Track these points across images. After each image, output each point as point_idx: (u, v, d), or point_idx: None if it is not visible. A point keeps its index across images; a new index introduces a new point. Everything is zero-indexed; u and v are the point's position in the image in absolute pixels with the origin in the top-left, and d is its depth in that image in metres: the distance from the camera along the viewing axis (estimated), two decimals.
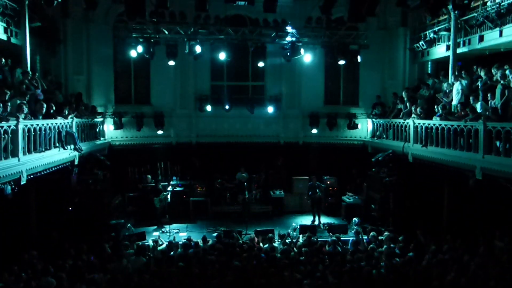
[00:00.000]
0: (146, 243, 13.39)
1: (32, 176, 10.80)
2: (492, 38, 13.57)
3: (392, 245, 12.34)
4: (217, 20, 16.40)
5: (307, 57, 16.92)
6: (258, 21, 16.77)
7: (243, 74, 19.60)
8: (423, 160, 14.06)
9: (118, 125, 17.91)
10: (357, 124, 18.83)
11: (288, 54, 16.79)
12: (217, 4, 15.86)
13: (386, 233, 13.76)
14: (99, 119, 17.05)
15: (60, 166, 12.74)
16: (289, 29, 16.00)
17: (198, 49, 15.97)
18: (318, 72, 19.20)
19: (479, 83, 12.99)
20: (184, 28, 15.89)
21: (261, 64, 17.31)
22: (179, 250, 12.12)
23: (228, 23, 16.70)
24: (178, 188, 17.62)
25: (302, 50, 16.45)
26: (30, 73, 12.81)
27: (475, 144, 11.41)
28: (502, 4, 12.84)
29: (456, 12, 13.95)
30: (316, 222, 16.60)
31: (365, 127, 18.88)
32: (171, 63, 16.50)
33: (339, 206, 18.16)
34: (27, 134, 10.61)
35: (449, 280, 9.56)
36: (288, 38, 16.24)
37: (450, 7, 13.83)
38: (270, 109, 18.63)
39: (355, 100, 19.73)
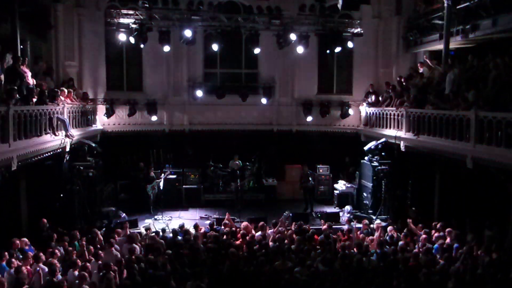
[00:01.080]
0: (138, 231, 13.40)
1: (22, 163, 10.72)
2: (486, 27, 13.56)
3: (383, 233, 12.44)
4: (210, 6, 16.27)
5: (299, 49, 16.81)
6: (251, 8, 16.65)
7: (236, 62, 19.47)
8: (415, 148, 14.13)
9: (110, 112, 17.73)
10: (350, 113, 18.82)
11: (281, 41, 16.69)
12: None
13: (377, 221, 13.86)
14: (90, 105, 16.91)
15: (51, 153, 12.66)
16: None
17: (188, 33, 15.74)
18: (311, 60, 19.10)
19: (470, 73, 13.02)
20: (177, 15, 15.72)
21: (257, 50, 17.15)
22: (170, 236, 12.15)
23: (222, 10, 16.57)
24: (170, 176, 17.59)
25: (292, 35, 16.25)
26: (21, 58, 12.64)
27: (466, 133, 11.46)
28: None
29: (450, 1, 13.93)
30: (309, 210, 16.69)
31: (358, 115, 18.88)
32: (166, 48, 16.29)
33: (332, 195, 18.26)
34: (17, 120, 10.51)
35: (439, 268, 9.67)
36: None
37: None
38: (264, 100, 18.55)
39: (348, 88, 19.70)
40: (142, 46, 16.08)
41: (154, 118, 18.10)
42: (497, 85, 11.36)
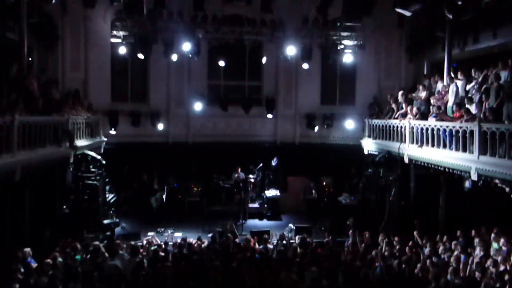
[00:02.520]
0: (140, 243, 13.34)
1: (26, 173, 10.74)
2: (487, 39, 13.64)
3: (388, 246, 12.34)
4: (214, 19, 16.41)
5: (304, 65, 16.99)
6: (255, 21, 16.79)
7: (239, 74, 19.58)
8: (419, 160, 14.09)
9: (114, 123, 17.80)
10: (353, 125, 18.81)
11: (284, 54, 16.80)
12: (215, 4, 15.88)
13: (381, 234, 13.76)
14: (95, 116, 16.98)
15: (55, 164, 12.67)
16: None
17: (186, 46, 15.90)
18: (314, 72, 19.17)
19: (473, 84, 13.04)
20: (182, 27, 15.87)
21: (264, 59, 17.22)
22: (173, 250, 12.07)
23: (226, 23, 16.72)
24: (173, 188, 17.55)
25: (293, 48, 16.39)
26: (27, 69, 12.74)
27: (470, 145, 11.44)
28: (496, 6, 12.91)
29: (451, 14, 14.02)
30: (311, 223, 16.58)
31: (361, 127, 18.87)
32: (174, 57, 16.43)
33: (335, 207, 18.16)
34: (22, 130, 10.55)
35: (445, 281, 9.57)
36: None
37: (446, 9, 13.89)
38: (269, 115, 18.61)
39: (351, 100, 19.75)
40: (146, 57, 16.22)
41: (160, 126, 18.11)
42: (499, 96, 11.37)
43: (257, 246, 12.54)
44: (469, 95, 12.94)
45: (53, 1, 12.37)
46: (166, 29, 15.88)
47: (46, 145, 11.96)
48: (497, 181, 10.59)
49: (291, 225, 15.26)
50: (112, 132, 17.85)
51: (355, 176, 18.41)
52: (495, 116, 11.14)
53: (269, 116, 18.75)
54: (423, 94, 15.54)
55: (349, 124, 18.62)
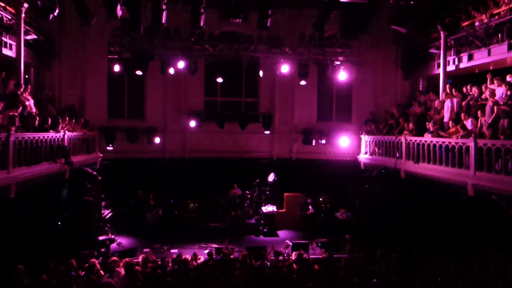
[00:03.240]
0: (136, 260, 13.20)
1: (21, 190, 10.68)
2: (481, 56, 13.82)
3: (385, 262, 12.25)
4: (211, 36, 16.55)
5: (302, 82, 17.20)
6: (252, 38, 16.95)
7: (236, 90, 19.71)
8: (415, 176, 14.10)
9: (110, 140, 17.78)
10: (350, 141, 18.86)
11: (281, 70, 16.93)
12: (212, 21, 16.02)
13: (379, 250, 13.68)
14: (91, 133, 16.97)
15: (51, 180, 12.62)
16: None
17: (180, 64, 16.12)
18: (311, 88, 19.32)
19: (469, 100, 13.15)
20: (179, 44, 16.00)
21: (260, 73, 17.33)
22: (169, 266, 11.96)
23: (223, 40, 16.87)
24: (170, 204, 17.46)
25: (287, 66, 16.58)
26: (24, 85, 12.78)
27: (466, 161, 11.48)
28: (489, 24, 13.12)
29: (446, 31, 14.22)
30: (308, 239, 16.50)
31: (358, 143, 18.92)
32: (171, 70, 16.52)
33: (332, 223, 18.09)
34: (18, 146, 10.53)
35: None
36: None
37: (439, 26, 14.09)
38: (266, 132, 18.69)
39: (347, 116, 19.87)
40: (143, 74, 16.31)
41: (157, 140, 18.13)
42: (494, 112, 11.45)
43: (254, 262, 12.43)
44: (465, 111, 13.03)
45: (51, 19, 12.43)
46: (162, 46, 15.99)
47: (42, 161, 11.92)
48: (493, 196, 10.60)
49: (287, 241, 15.15)
50: (109, 148, 17.82)
51: (351, 192, 18.38)
52: (490, 132, 11.20)
53: (266, 132, 18.79)
54: (418, 110, 15.65)
55: (344, 141, 18.66)
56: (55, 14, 12.07)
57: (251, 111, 19.52)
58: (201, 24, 12.95)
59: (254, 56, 16.89)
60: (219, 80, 16.83)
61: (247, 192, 18.53)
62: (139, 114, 19.04)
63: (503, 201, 10.40)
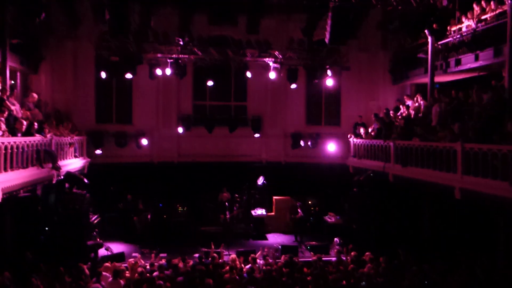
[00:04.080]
0: (125, 265, 13.11)
1: (8, 195, 10.54)
2: (468, 61, 13.98)
3: (373, 265, 12.32)
4: (200, 40, 16.53)
5: (292, 86, 17.29)
6: (241, 42, 16.95)
7: (225, 94, 19.69)
8: (404, 180, 14.20)
9: (98, 144, 17.65)
10: (339, 145, 18.96)
11: (270, 74, 16.98)
12: (201, 25, 16.02)
13: (367, 253, 13.74)
14: (79, 137, 16.82)
15: (38, 185, 12.48)
16: None
17: (167, 71, 16.23)
18: (300, 92, 19.38)
19: (456, 105, 13.30)
20: (167, 48, 15.96)
21: (248, 74, 17.28)
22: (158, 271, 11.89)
23: (212, 44, 16.85)
24: (158, 208, 17.37)
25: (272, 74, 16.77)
26: (9, 90, 12.63)
27: (453, 164, 11.59)
28: (477, 30, 13.29)
29: (433, 36, 14.37)
30: (298, 243, 16.53)
31: (347, 147, 19.01)
32: (159, 71, 16.48)
33: (321, 226, 18.15)
34: (4, 151, 10.40)
35: None
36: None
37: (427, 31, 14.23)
38: (256, 135, 18.70)
39: (336, 120, 19.97)
40: (131, 78, 16.23)
41: (144, 141, 18.02)
42: (482, 118, 11.60)
43: (243, 266, 12.43)
44: (452, 115, 13.16)
45: (37, 22, 12.33)
46: (151, 50, 15.94)
47: (29, 166, 11.79)
48: (480, 200, 10.72)
49: (277, 244, 15.15)
50: (98, 152, 17.68)
51: (340, 196, 18.46)
52: (477, 136, 11.32)
53: (256, 135, 18.81)
54: (406, 114, 15.80)
55: (332, 146, 18.77)
56: (42, 18, 11.97)
57: (241, 115, 19.50)
58: (190, 28, 12.94)
59: (243, 60, 16.90)
60: (210, 83, 16.81)
61: (236, 195, 18.51)
62: (127, 118, 18.90)
63: (489, 204, 10.52)
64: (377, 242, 15.33)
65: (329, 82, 17.21)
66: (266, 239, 17.48)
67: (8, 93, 12.36)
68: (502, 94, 11.75)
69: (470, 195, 11.00)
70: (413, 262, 12.12)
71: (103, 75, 16.40)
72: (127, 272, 12.09)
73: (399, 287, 10.36)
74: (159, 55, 16.20)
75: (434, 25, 13.80)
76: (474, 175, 10.80)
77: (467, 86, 13.63)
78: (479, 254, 11.55)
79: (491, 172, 10.18)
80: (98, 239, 15.41)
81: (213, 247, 13.66)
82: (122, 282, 10.85)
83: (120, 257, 13.74)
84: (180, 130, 18.18)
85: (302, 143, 19.07)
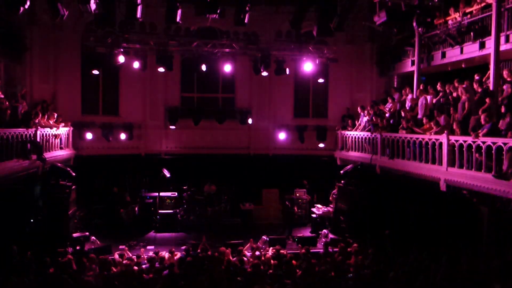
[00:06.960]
0: (112, 257, 13.05)
1: None
2: (454, 54, 14.11)
3: (360, 256, 12.43)
4: (187, 32, 16.39)
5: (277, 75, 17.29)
6: (229, 34, 16.86)
7: (213, 86, 19.61)
8: (391, 172, 14.34)
9: (84, 136, 17.46)
10: (326, 137, 19.04)
11: (258, 66, 16.92)
12: (188, 16, 15.82)
13: (354, 244, 13.87)
14: (64, 128, 16.64)
15: (23, 177, 12.34)
16: None
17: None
18: (287, 84, 19.41)
19: (442, 97, 13.43)
20: (154, 39, 15.82)
21: (227, 67, 17.14)
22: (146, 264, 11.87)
23: (199, 35, 16.74)
24: (146, 200, 17.31)
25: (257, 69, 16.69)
26: None
27: (439, 156, 11.73)
28: (462, 23, 13.40)
29: (420, 29, 14.42)
30: (286, 234, 16.60)
31: (334, 139, 19.10)
32: (136, 64, 16.33)
33: (309, 218, 18.25)
34: None
35: None
36: None
37: (414, 24, 14.27)
38: (241, 125, 18.64)
39: (324, 112, 20.02)
40: (117, 69, 16.08)
41: (128, 143, 17.86)
42: (465, 109, 11.74)
43: (231, 257, 12.45)
44: (438, 108, 13.29)
45: (21, 12, 12.06)
46: (138, 41, 15.77)
47: (13, 157, 11.65)
48: (465, 192, 10.87)
49: (264, 236, 15.23)
50: (84, 142, 17.49)
51: (328, 187, 18.55)
52: (462, 128, 11.47)
53: (243, 127, 18.78)
54: (393, 106, 15.90)
55: (319, 137, 18.91)
56: (26, 7, 11.73)
57: (228, 107, 19.46)
58: (177, 19, 12.81)
59: (231, 51, 16.83)
60: (201, 69, 16.60)
61: (224, 188, 18.51)
62: (114, 110, 18.72)
63: (474, 196, 10.69)
64: (364, 234, 15.48)
65: (308, 66, 17.08)
66: (254, 231, 17.48)
67: None
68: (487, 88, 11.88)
69: (455, 187, 11.15)
70: (399, 254, 12.26)
71: (94, 71, 16.22)
72: (114, 265, 12.03)
73: (385, 278, 10.45)
74: (146, 46, 16.03)
75: (421, 18, 13.85)
76: (459, 167, 10.96)
77: (453, 78, 13.74)
78: (464, 244, 11.72)
79: (475, 164, 10.34)
80: (85, 231, 15.36)
81: (204, 239, 13.66)
82: (109, 274, 10.79)
83: (107, 249, 13.67)
84: (168, 122, 18.03)
85: (290, 136, 19.10)
